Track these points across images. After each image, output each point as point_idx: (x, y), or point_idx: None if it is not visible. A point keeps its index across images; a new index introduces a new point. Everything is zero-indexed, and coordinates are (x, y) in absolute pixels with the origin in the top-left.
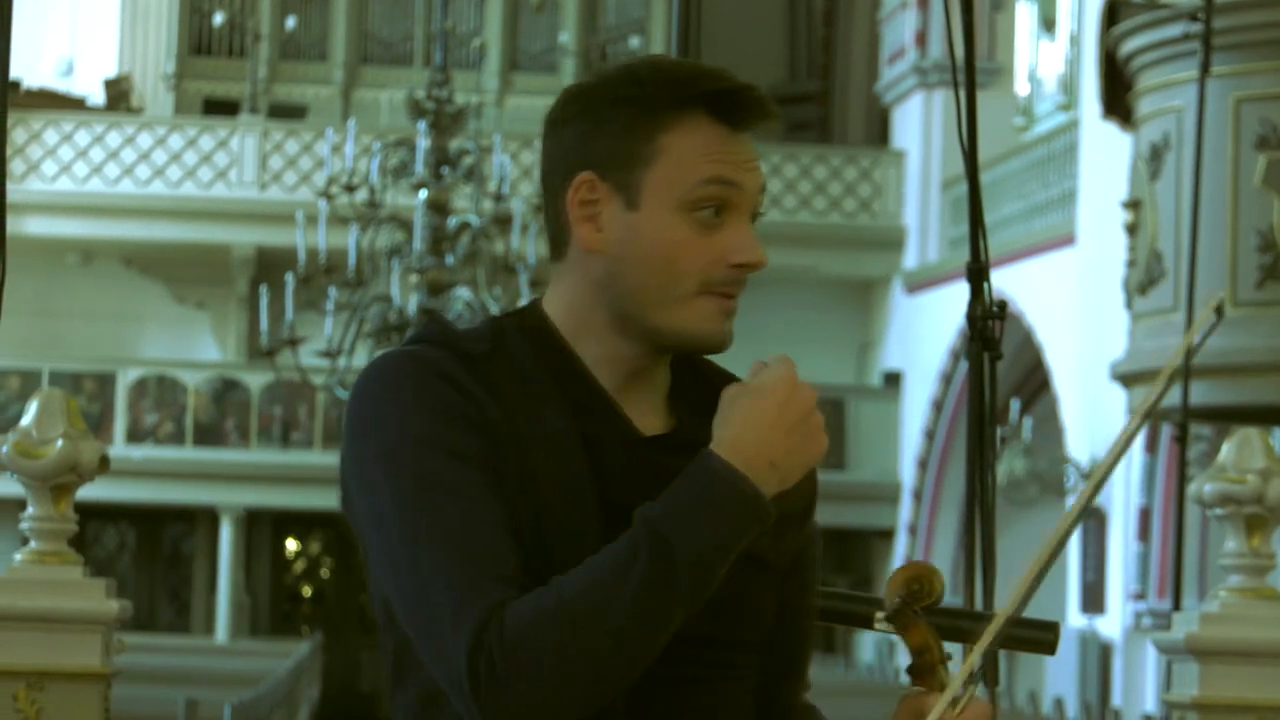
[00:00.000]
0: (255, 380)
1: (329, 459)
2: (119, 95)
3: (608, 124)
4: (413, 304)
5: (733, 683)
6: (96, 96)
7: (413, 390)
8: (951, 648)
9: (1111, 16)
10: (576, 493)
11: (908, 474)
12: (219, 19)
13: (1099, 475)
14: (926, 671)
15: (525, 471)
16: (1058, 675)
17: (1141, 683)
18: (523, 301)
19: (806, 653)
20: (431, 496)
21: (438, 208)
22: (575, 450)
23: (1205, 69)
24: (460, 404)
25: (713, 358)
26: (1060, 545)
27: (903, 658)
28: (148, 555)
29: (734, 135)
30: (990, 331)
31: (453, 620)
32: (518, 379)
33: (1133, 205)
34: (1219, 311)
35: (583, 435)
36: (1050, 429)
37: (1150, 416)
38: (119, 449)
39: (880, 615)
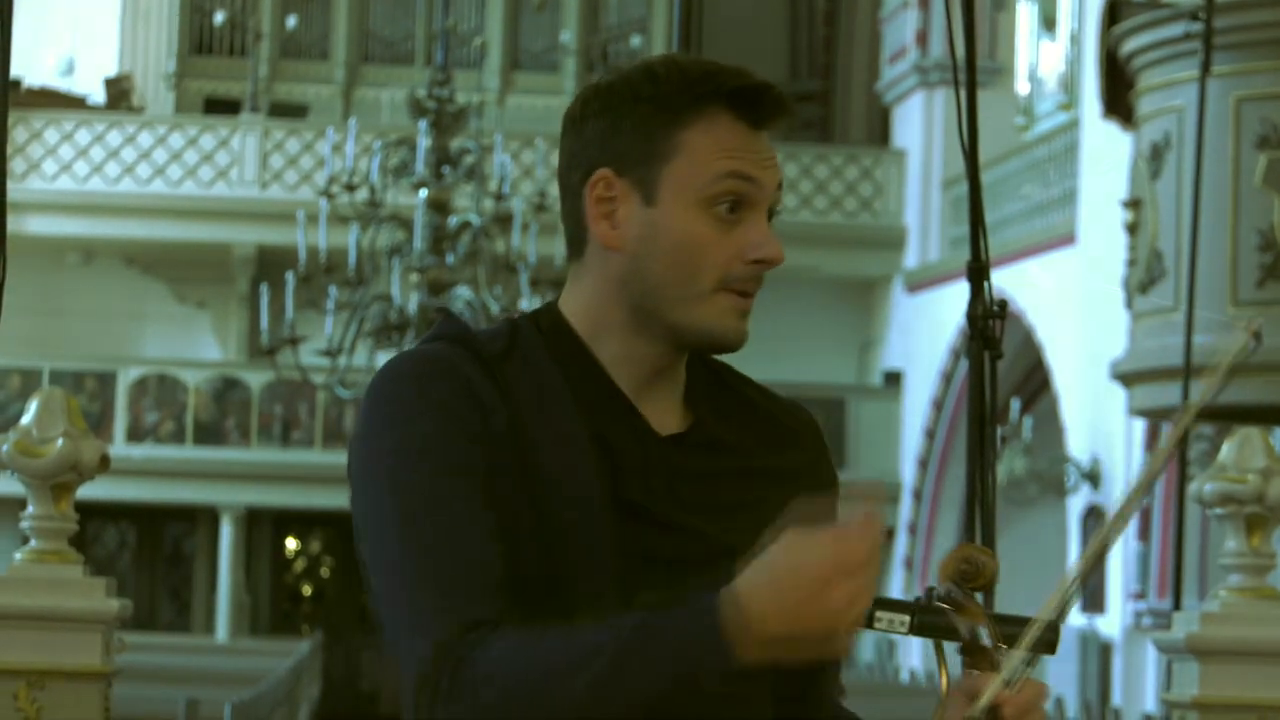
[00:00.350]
0: (256, 379)
1: (329, 458)
2: (120, 94)
3: (626, 121)
4: (413, 303)
5: (750, 680)
6: (97, 95)
7: (422, 394)
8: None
9: (1112, 16)
10: (586, 494)
11: (908, 473)
12: (220, 18)
13: (1132, 497)
14: (980, 652)
15: (534, 473)
16: (1058, 675)
17: (1141, 682)
18: (523, 301)
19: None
20: (425, 505)
21: (438, 207)
22: (587, 451)
23: (1206, 68)
24: (469, 409)
25: (728, 360)
26: (1100, 554)
27: (903, 657)
28: (148, 554)
29: (753, 133)
30: (991, 331)
31: (419, 632)
32: (532, 379)
33: (1133, 204)
34: (1258, 336)
35: (598, 435)
36: (1050, 428)
37: (1180, 436)
38: (119, 448)
39: (929, 597)
